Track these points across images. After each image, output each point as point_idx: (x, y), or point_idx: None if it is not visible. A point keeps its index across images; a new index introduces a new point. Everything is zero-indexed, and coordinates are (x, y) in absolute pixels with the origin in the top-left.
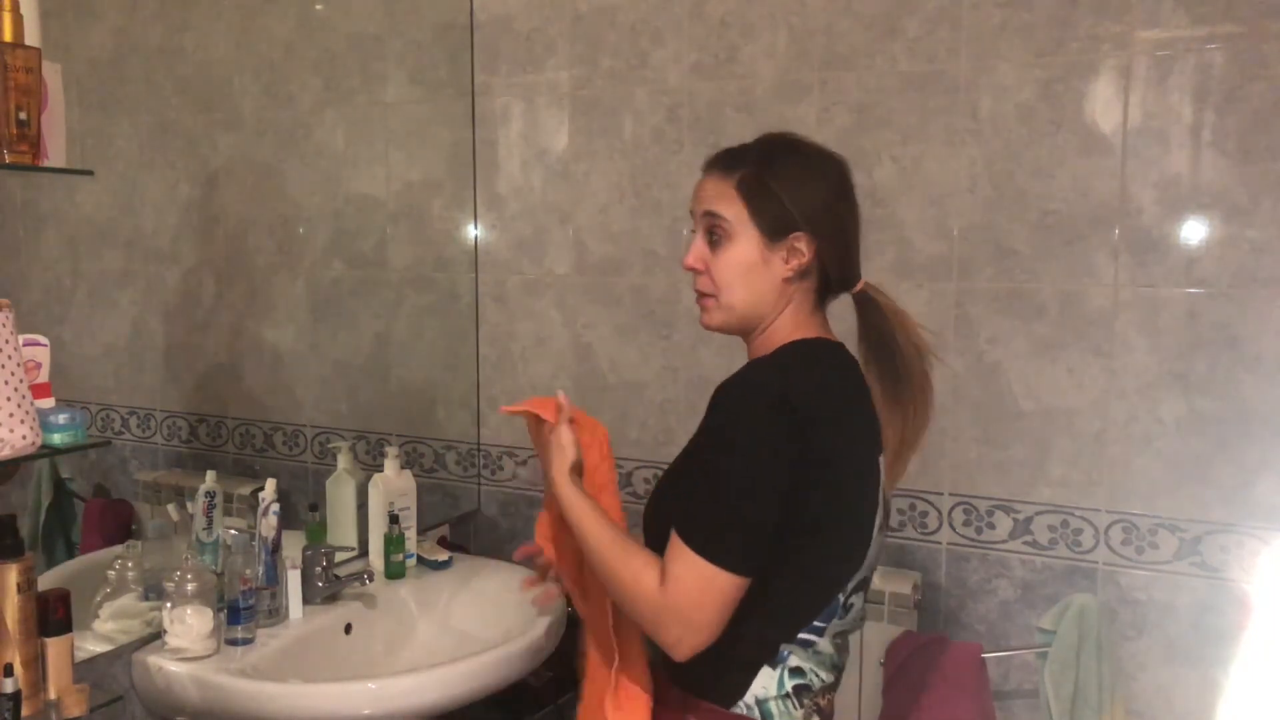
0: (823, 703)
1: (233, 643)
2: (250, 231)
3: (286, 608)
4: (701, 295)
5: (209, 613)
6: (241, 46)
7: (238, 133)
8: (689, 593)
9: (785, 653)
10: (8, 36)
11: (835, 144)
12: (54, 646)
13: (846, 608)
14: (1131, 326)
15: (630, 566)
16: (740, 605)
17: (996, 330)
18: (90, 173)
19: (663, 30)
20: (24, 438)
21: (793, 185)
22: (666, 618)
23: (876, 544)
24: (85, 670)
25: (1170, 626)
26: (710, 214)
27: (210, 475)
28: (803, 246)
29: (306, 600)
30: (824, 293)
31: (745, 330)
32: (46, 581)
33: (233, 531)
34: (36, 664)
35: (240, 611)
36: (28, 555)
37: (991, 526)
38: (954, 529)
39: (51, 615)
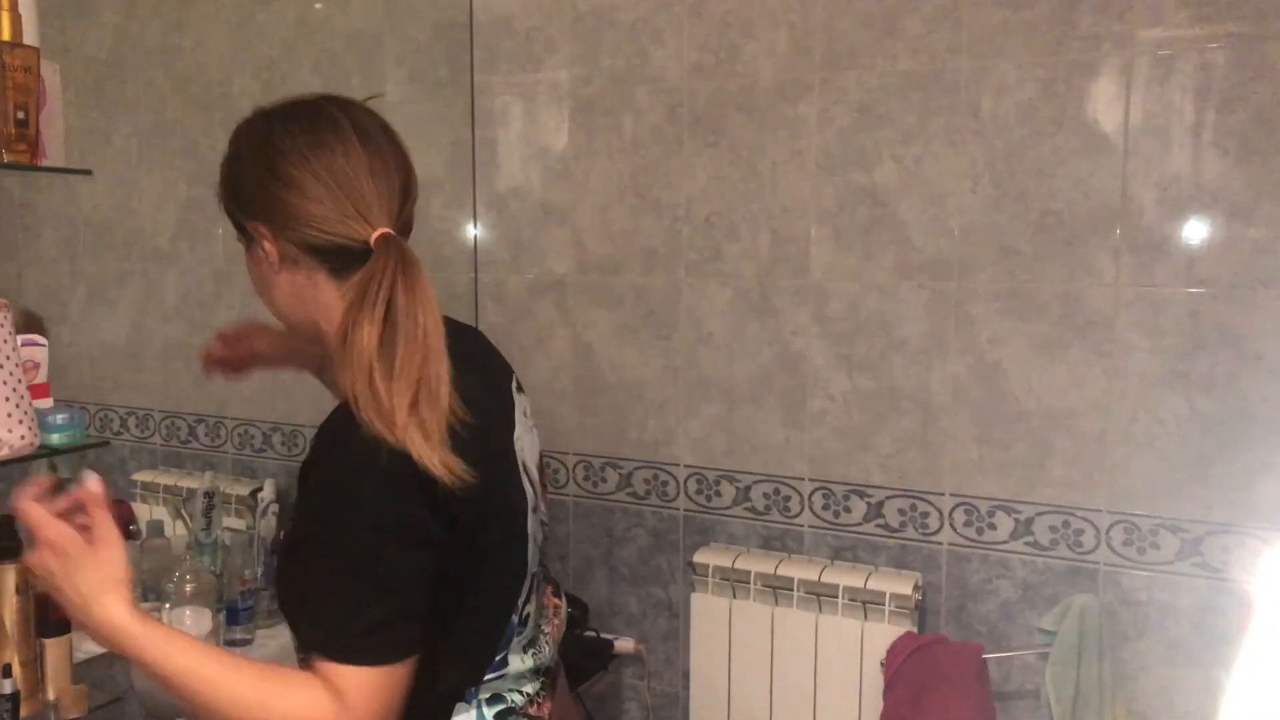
0: (534, 711)
1: (232, 644)
2: None
3: None
4: None
5: (208, 613)
6: (240, 45)
7: None
8: (373, 703)
9: (473, 691)
10: (6, 36)
11: (835, 143)
12: (53, 647)
13: (524, 620)
14: (1133, 326)
15: (292, 699)
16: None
17: (997, 330)
18: (89, 172)
19: (663, 29)
20: (22, 438)
21: (225, 177)
22: None
23: (535, 535)
24: (84, 671)
25: (1172, 627)
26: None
27: (209, 475)
28: (262, 237)
29: None
30: (343, 272)
31: (305, 336)
32: None
33: (232, 532)
34: (35, 665)
35: (239, 612)
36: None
37: (992, 527)
38: (955, 529)
39: (50, 616)
